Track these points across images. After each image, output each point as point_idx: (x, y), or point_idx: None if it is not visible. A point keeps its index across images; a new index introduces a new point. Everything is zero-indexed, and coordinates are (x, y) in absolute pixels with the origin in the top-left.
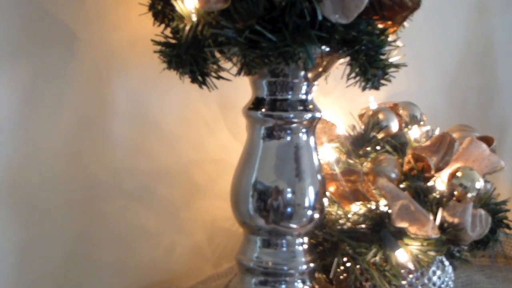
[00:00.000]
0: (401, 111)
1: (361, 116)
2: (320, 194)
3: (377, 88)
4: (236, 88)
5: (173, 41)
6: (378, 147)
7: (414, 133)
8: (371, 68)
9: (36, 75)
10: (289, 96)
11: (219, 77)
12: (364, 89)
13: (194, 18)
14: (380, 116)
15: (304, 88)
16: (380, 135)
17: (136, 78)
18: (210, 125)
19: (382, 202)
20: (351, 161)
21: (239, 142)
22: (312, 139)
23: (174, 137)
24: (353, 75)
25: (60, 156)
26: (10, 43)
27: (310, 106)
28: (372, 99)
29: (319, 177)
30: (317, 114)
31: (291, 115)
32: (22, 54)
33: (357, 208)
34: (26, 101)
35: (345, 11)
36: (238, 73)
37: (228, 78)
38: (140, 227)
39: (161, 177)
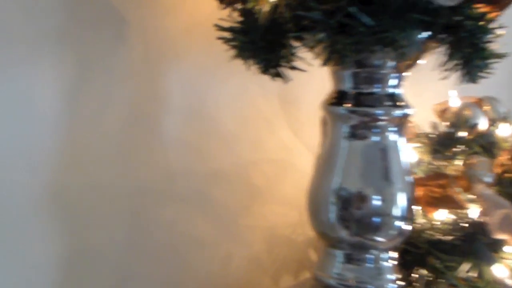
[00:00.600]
0: (484, 107)
1: (441, 113)
2: (411, 202)
3: (474, 81)
4: (298, 79)
5: (242, 26)
6: (464, 147)
7: (503, 131)
8: (475, 58)
9: (82, 65)
10: (377, 90)
11: (292, 68)
12: (461, 82)
13: None
14: (467, 112)
15: (393, 81)
16: (468, 135)
17: (191, 69)
18: (269, 121)
19: (472, 210)
20: (436, 164)
21: (300, 140)
22: (402, 139)
23: (231, 135)
24: (448, 65)
25: (108, 157)
26: (53, 29)
27: (400, 101)
28: (453, 94)
29: (409, 183)
30: (408, 111)
31: (379, 111)
32: (67, 41)
33: (441, 216)
34: (71, 94)
35: None
36: (325, 63)
37: (302, 68)
38: (195, 237)
39: (217, 180)
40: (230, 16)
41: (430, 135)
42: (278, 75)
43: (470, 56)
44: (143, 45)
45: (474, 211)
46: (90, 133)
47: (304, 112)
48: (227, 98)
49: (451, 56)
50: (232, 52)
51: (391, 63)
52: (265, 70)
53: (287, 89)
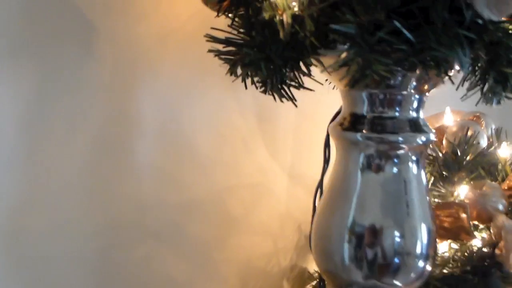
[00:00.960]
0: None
1: (438, 130)
2: (433, 240)
3: (499, 102)
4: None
5: (254, 39)
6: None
7: (504, 151)
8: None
9: (43, 83)
10: (396, 113)
11: (299, 87)
12: (487, 102)
13: (295, 7)
14: (469, 132)
15: (415, 103)
16: (472, 156)
17: (164, 83)
18: (246, 141)
19: (477, 241)
20: (443, 190)
21: (276, 162)
22: (422, 168)
23: (206, 159)
24: (479, 84)
25: (72, 191)
26: (9, 39)
27: (422, 126)
28: (448, 110)
29: (431, 217)
30: (431, 136)
31: (400, 138)
32: (24, 54)
33: (449, 248)
34: (29, 117)
35: (499, 5)
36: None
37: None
38: (167, 276)
39: (192, 210)
40: (233, 26)
41: (432, 157)
42: (284, 95)
43: (507, 75)
44: (113, 57)
45: (483, 242)
46: (51, 163)
47: (280, 130)
48: (202, 116)
49: (484, 74)
50: (226, 66)
51: (412, 83)
52: (271, 88)
53: (263, 104)
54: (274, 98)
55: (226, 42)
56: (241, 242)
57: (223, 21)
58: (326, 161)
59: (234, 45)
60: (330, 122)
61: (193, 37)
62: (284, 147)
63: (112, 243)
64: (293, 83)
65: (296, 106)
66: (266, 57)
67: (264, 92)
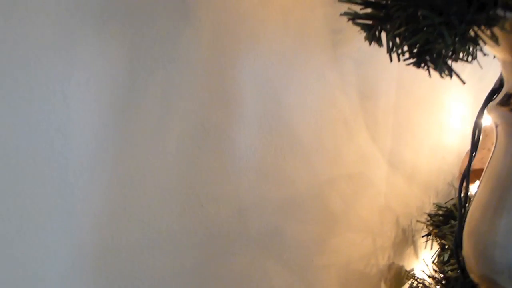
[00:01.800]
0: None
1: None
2: None
3: None
4: (374, 65)
5: None
6: None
7: None
8: None
9: (134, 57)
10: None
11: (456, 59)
12: None
13: None
14: None
15: None
16: None
17: (265, 53)
18: (348, 124)
19: None
20: None
21: (377, 147)
22: None
23: (308, 147)
24: None
25: (167, 197)
26: (93, 8)
27: None
28: None
29: None
30: None
31: None
32: (109, 21)
33: None
34: (118, 103)
35: None
36: None
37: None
38: (269, 287)
39: (292, 209)
40: None
41: None
42: (446, 69)
43: None
44: (211, 24)
45: None
46: (144, 161)
47: (381, 109)
48: (304, 94)
49: None
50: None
51: None
52: (434, 61)
53: (364, 78)
54: (429, 74)
55: (372, 3)
56: (341, 243)
57: None
58: (475, 146)
59: (381, 6)
60: (486, 101)
61: None
62: (385, 129)
63: (211, 253)
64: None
65: (464, 83)
66: (447, 22)
67: (418, 65)
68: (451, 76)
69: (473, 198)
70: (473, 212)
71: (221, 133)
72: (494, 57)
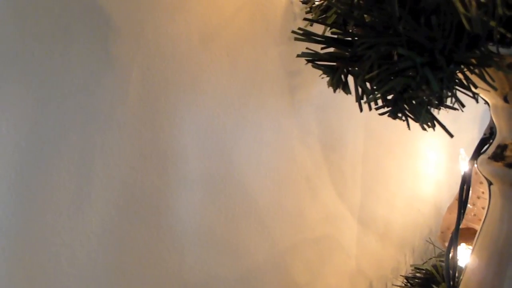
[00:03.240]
0: None
1: None
2: None
3: None
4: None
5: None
6: None
7: None
8: None
9: (39, 117)
10: None
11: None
12: None
13: None
14: None
15: None
16: None
17: (209, 103)
18: (311, 181)
19: None
20: None
21: (344, 203)
22: None
23: (265, 210)
24: None
25: (91, 274)
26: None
27: None
28: None
29: None
30: None
31: None
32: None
33: None
34: (22, 173)
35: None
36: None
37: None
38: None
39: (252, 285)
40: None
41: None
42: (429, 120)
43: None
44: (140, 74)
45: None
46: (56, 245)
47: (348, 160)
48: (258, 150)
49: None
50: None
51: None
52: (412, 110)
53: (327, 127)
54: (408, 125)
55: (335, 41)
56: None
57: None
58: (463, 204)
59: (347, 44)
60: (475, 154)
61: (243, 37)
62: (353, 183)
63: None
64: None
65: (452, 136)
66: (431, 62)
67: (394, 115)
68: (434, 127)
69: (465, 271)
70: (467, 283)
71: (157, 203)
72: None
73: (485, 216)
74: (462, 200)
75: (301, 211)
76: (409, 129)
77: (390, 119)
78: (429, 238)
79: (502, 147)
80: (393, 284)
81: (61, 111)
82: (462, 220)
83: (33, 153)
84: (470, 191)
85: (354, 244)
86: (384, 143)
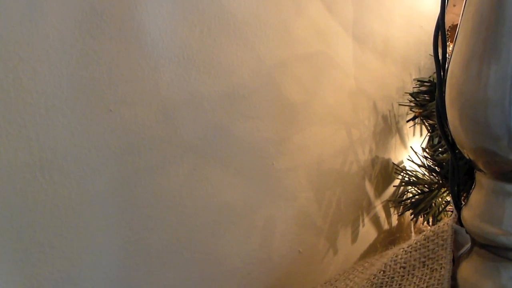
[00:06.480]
0: None
1: None
2: None
3: None
4: None
5: None
6: None
7: None
8: None
9: None
10: None
11: None
12: None
13: None
14: None
15: None
16: None
17: None
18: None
19: None
20: None
21: (335, 18)
22: None
23: (246, 24)
24: None
25: (57, 99)
26: None
27: None
28: None
29: None
30: None
31: None
32: None
33: None
34: None
35: None
36: None
37: None
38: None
39: (238, 104)
40: None
41: None
42: None
43: None
44: None
45: None
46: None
47: None
48: None
49: None
50: None
51: None
52: None
53: None
54: None
55: None
56: (306, 139)
57: None
58: None
59: None
60: None
61: None
62: None
63: (132, 168)
64: None
65: None
66: None
67: None
68: None
69: (452, 52)
70: (453, 70)
71: (120, 15)
72: None
73: None
74: None
75: (286, 26)
76: None
77: None
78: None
79: None
80: (399, 103)
81: None
82: (447, 3)
83: None
84: None
85: (351, 61)
86: None
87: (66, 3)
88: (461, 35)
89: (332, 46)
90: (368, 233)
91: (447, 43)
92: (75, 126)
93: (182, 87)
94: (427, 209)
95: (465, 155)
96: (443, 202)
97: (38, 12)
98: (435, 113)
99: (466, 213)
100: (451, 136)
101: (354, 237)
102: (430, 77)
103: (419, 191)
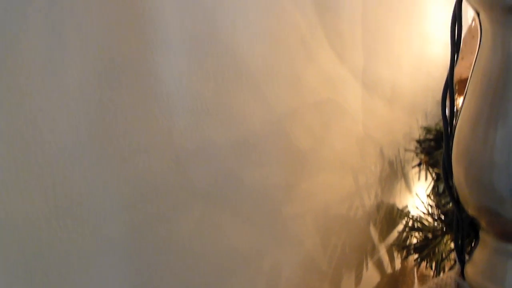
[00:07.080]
0: None
1: None
2: None
3: None
4: None
5: None
6: None
7: None
8: None
9: None
10: None
11: None
12: None
13: None
14: None
15: None
16: None
17: None
18: (306, 43)
19: None
20: None
21: (344, 66)
22: None
23: (258, 73)
24: None
25: (74, 148)
26: None
27: None
28: None
29: None
30: None
31: None
32: None
33: None
34: None
35: None
36: None
37: None
38: (230, 248)
39: (248, 151)
40: None
41: None
42: None
43: None
44: None
45: None
46: (34, 110)
47: (345, 20)
48: (245, 11)
49: None
50: None
51: None
52: None
53: None
54: None
55: None
56: (314, 185)
57: None
58: (456, 47)
59: None
60: None
61: None
62: (352, 45)
63: (145, 214)
64: None
65: None
66: None
67: None
68: None
69: (460, 111)
70: (461, 128)
71: (138, 67)
72: None
73: (477, 51)
74: (455, 40)
75: (297, 75)
76: None
77: None
78: None
79: None
80: (405, 149)
81: None
82: (456, 62)
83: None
84: (467, 34)
85: (359, 108)
86: (384, 2)
87: (87, 55)
88: (470, 93)
89: (341, 93)
90: (371, 277)
91: (455, 96)
92: (90, 175)
93: (195, 135)
94: (430, 255)
95: (468, 212)
96: (447, 249)
97: (59, 64)
98: (440, 163)
99: (469, 269)
100: (456, 192)
101: (358, 280)
102: (436, 124)
103: (423, 236)
